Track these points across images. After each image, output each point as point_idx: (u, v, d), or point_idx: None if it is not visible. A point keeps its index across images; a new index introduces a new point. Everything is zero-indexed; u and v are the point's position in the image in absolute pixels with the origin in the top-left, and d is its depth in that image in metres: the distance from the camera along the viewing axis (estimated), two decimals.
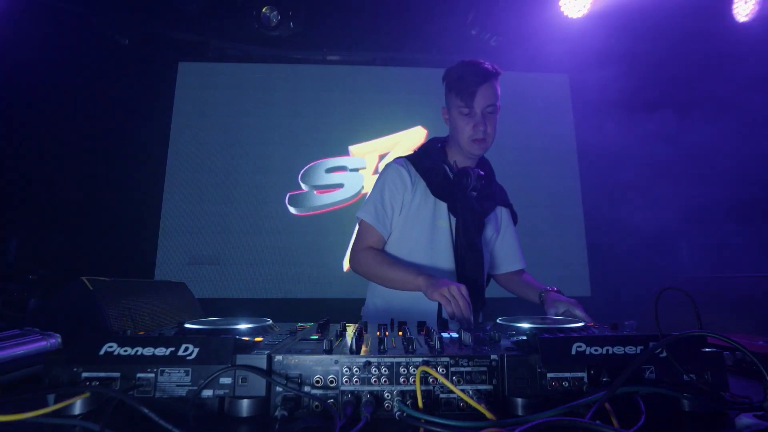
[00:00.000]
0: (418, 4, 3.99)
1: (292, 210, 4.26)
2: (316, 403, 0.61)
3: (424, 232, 1.48)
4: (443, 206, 1.47)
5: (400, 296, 1.43)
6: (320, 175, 4.35)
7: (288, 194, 4.28)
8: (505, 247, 1.62)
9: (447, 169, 1.52)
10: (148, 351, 0.62)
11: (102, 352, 0.62)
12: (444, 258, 1.48)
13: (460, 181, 1.45)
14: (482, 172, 1.49)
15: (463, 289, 1.16)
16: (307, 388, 0.62)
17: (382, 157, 4.39)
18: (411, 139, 4.40)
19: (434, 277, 1.25)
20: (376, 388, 0.62)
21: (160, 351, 0.62)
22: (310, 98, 4.50)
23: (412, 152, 1.61)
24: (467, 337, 0.72)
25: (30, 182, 3.83)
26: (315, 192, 4.30)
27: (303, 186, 4.32)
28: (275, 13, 3.77)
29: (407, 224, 1.50)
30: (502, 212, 1.63)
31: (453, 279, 1.43)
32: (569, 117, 4.68)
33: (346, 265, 4.09)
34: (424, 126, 4.45)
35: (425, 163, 1.52)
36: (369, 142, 4.39)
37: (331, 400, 0.62)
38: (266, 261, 4.16)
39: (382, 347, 0.67)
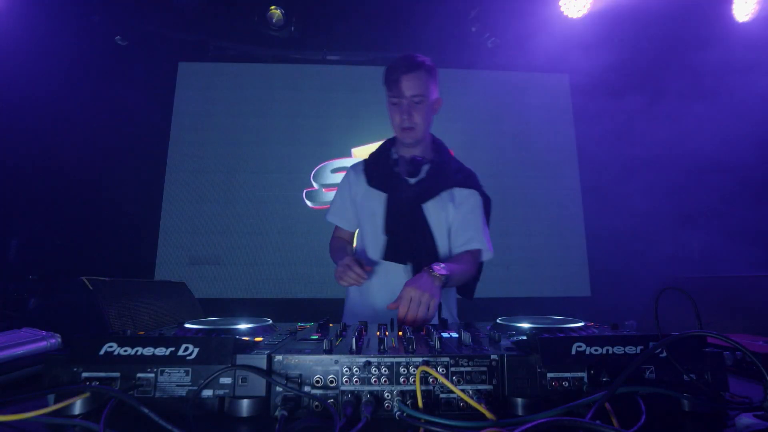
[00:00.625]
0: (418, 4, 3.99)
1: (309, 204, 4.34)
2: (316, 403, 0.61)
3: (368, 222, 1.59)
4: (384, 196, 1.56)
5: (368, 285, 1.54)
6: (327, 175, 4.41)
7: (305, 190, 4.35)
8: (455, 227, 1.55)
9: (387, 160, 1.61)
10: (148, 351, 0.62)
11: (102, 352, 0.62)
12: (377, 245, 1.54)
13: (392, 170, 1.56)
14: (419, 158, 1.53)
15: (347, 259, 1.32)
16: (307, 388, 0.62)
17: None
18: None
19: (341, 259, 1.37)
20: (376, 388, 0.62)
21: (160, 351, 0.62)
22: (310, 98, 4.50)
23: None
24: (467, 337, 0.72)
25: (30, 182, 3.83)
26: (324, 190, 4.35)
27: (314, 185, 4.38)
28: (281, 11, 3.77)
29: (359, 217, 1.65)
30: (461, 194, 1.56)
31: (392, 268, 1.52)
32: (569, 117, 4.69)
33: None
34: None
35: (370, 159, 1.66)
36: (369, 145, 4.39)
37: (331, 400, 0.62)
38: (266, 261, 4.16)
39: (382, 347, 0.67)
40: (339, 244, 1.68)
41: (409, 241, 1.47)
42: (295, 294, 4.06)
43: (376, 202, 1.55)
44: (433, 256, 1.48)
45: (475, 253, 1.51)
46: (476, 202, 1.56)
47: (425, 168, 1.54)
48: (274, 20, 3.86)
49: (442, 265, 1.25)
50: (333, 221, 1.71)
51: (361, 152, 4.39)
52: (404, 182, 1.54)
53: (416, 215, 1.49)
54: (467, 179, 1.59)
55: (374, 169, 1.60)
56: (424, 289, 1.12)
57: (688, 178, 3.97)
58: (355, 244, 1.77)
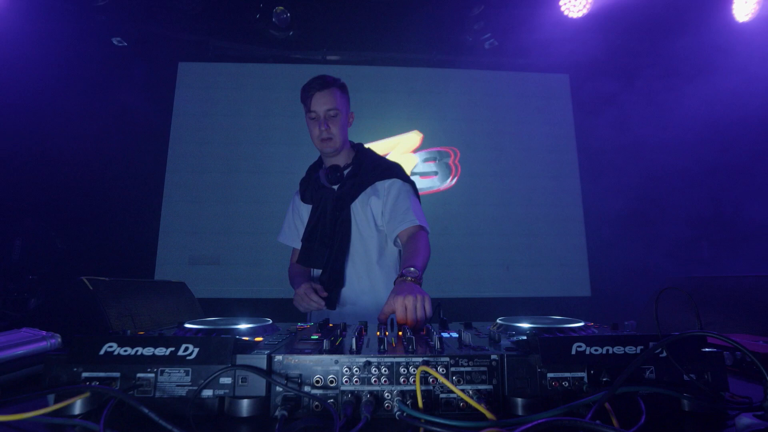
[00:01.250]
0: (418, 4, 3.99)
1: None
2: (316, 403, 0.61)
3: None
4: (310, 208, 1.70)
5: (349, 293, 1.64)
6: None
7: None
8: (386, 215, 1.63)
9: (315, 174, 1.72)
10: (148, 351, 0.62)
11: (102, 352, 0.62)
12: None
13: (318, 182, 1.68)
14: (337, 165, 1.64)
15: (303, 287, 1.47)
16: (307, 388, 0.62)
17: None
18: (408, 142, 4.40)
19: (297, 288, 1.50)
20: (376, 388, 0.62)
21: (160, 351, 0.62)
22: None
23: None
24: (467, 337, 0.72)
25: (30, 182, 3.83)
26: None
27: None
28: (286, 13, 3.78)
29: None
30: (383, 185, 1.65)
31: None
32: (569, 117, 4.69)
33: None
34: (420, 130, 4.42)
35: (304, 176, 1.79)
36: (369, 144, 4.38)
37: (331, 400, 0.62)
38: (266, 261, 4.16)
39: (382, 347, 0.67)
40: (297, 270, 1.73)
41: (327, 246, 1.60)
42: None
43: (306, 215, 1.71)
44: (340, 258, 1.59)
45: (417, 234, 1.53)
46: (400, 187, 1.65)
47: (346, 173, 1.66)
48: (280, 19, 3.85)
49: (412, 268, 1.29)
50: (282, 241, 1.83)
51: None
52: (329, 190, 1.65)
53: (343, 217, 1.61)
54: (386, 171, 1.68)
55: (306, 186, 1.74)
56: (410, 293, 1.14)
57: (688, 177, 3.97)
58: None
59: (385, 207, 1.62)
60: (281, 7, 3.78)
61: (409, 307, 1.10)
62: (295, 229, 1.79)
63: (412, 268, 1.29)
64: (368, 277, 1.62)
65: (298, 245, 1.72)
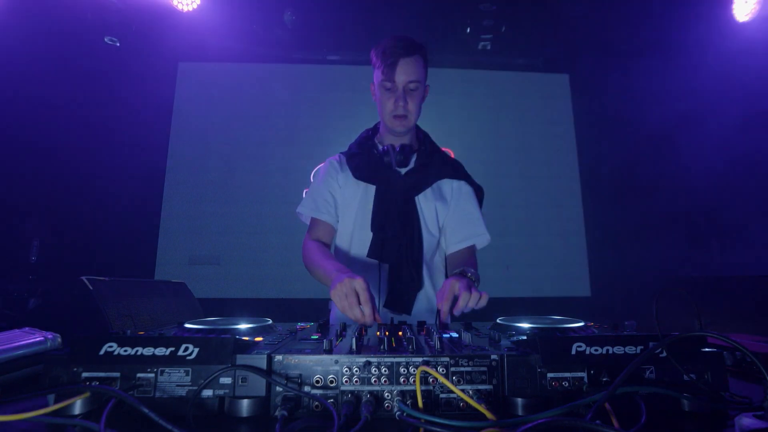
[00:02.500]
0: (418, 4, 3.99)
1: None
2: (316, 403, 0.61)
3: (352, 217, 1.46)
4: (372, 189, 1.44)
5: None
6: None
7: (305, 190, 4.33)
8: (452, 223, 1.47)
9: (373, 150, 1.49)
10: (148, 351, 0.62)
11: (102, 352, 0.62)
12: (364, 243, 1.40)
13: (381, 159, 1.44)
14: (409, 146, 1.45)
15: (358, 283, 1.02)
16: (307, 388, 0.62)
17: None
18: None
19: (344, 273, 1.11)
20: (376, 388, 0.62)
21: (160, 351, 0.62)
22: (310, 98, 4.50)
23: None
24: (467, 337, 0.72)
25: (30, 182, 3.83)
26: None
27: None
28: (290, 15, 3.80)
29: (341, 215, 1.49)
30: (451, 185, 1.50)
31: (371, 266, 1.38)
32: (569, 117, 4.69)
33: None
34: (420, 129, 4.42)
35: (353, 149, 1.53)
36: None
37: (331, 400, 0.62)
38: (266, 261, 4.16)
39: (382, 347, 0.67)
40: (323, 249, 1.39)
41: (397, 239, 1.37)
42: (295, 294, 4.06)
43: (363, 195, 1.45)
44: (416, 256, 1.39)
45: (473, 248, 1.48)
46: (468, 192, 1.52)
47: (413, 158, 1.48)
48: (287, 24, 3.87)
49: (473, 270, 1.22)
50: (307, 213, 1.48)
51: None
52: (395, 173, 1.45)
53: (408, 208, 1.41)
54: (456, 170, 1.53)
55: (360, 161, 1.47)
56: (467, 281, 1.10)
57: (688, 177, 3.96)
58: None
59: (450, 210, 1.47)
60: (288, 13, 3.79)
61: (464, 291, 1.03)
62: (329, 204, 1.47)
63: (473, 270, 1.22)
64: (406, 282, 1.39)
65: (331, 221, 1.47)
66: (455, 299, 1.05)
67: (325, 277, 1.23)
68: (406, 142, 1.48)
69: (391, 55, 1.34)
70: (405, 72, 1.34)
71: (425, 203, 1.47)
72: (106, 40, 3.94)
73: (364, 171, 1.45)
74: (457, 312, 1.04)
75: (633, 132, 4.39)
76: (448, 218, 1.48)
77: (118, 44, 3.95)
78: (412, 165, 1.47)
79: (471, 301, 1.03)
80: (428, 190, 1.47)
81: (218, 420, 0.61)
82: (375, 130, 1.59)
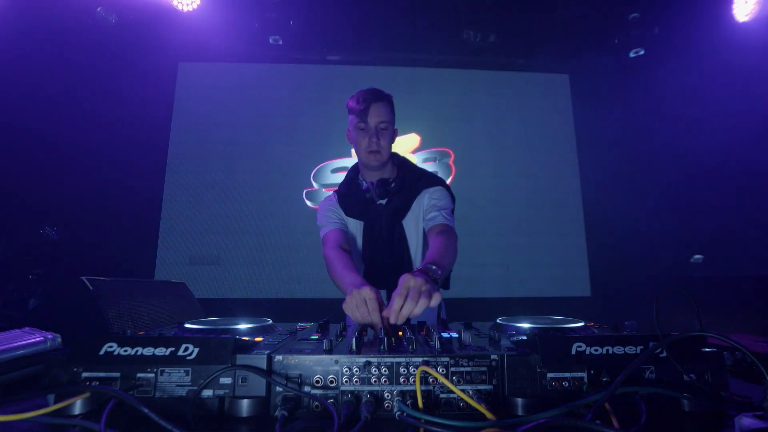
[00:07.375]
0: (419, 4, 3.99)
1: (309, 204, 4.33)
2: (316, 403, 0.61)
3: (354, 252, 1.61)
4: (361, 224, 1.62)
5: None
6: (327, 175, 4.41)
7: (305, 190, 4.35)
8: (428, 214, 1.59)
9: (360, 188, 1.65)
10: (148, 351, 0.62)
11: (102, 352, 0.62)
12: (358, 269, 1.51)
13: (364, 197, 1.61)
14: (385, 179, 1.60)
15: (366, 292, 1.01)
16: (307, 388, 0.62)
17: None
18: (406, 144, 4.40)
19: (353, 286, 1.11)
20: (376, 388, 0.62)
21: (160, 351, 0.62)
22: (310, 98, 4.50)
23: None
24: (467, 337, 0.72)
25: (30, 182, 3.83)
26: (323, 190, 4.35)
27: (314, 185, 4.38)
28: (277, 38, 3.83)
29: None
30: (428, 192, 1.63)
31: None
32: (569, 117, 4.69)
33: None
34: (418, 133, 4.40)
35: (341, 190, 1.70)
36: None
37: (331, 400, 0.62)
38: (266, 261, 4.16)
39: (382, 347, 0.67)
40: (341, 258, 1.41)
41: (384, 268, 1.55)
42: (295, 294, 4.06)
43: (354, 230, 1.64)
44: None
45: (450, 233, 1.48)
46: (441, 193, 1.63)
47: (392, 186, 1.61)
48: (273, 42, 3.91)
49: (434, 266, 1.15)
50: (327, 228, 1.59)
51: None
52: (377, 206, 1.61)
53: (394, 235, 1.57)
54: (431, 179, 1.67)
55: (347, 201, 1.65)
56: (422, 279, 1.01)
57: (688, 178, 3.96)
58: None
59: (428, 207, 1.61)
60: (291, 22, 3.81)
61: (413, 289, 0.97)
62: (338, 218, 1.64)
63: (434, 266, 1.14)
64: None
65: (337, 224, 1.61)
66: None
67: (342, 290, 1.32)
68: (385, 176, 1.63)
69: (363, 101, 1.53)
70: (377, 114, 1.53)
71: (413, 224, 1.61)
72: (99, 11, 3.80)
73: (353, 209, 1.64)
74: (397, 320, 0.96)
75: (633, 132, 4.39)
76: (426, 213, 1.60)
77: (115, 20, 3.83)
78: (392, 193, 1.61)
79: (416, 309, 0.95)
80: (411, 210, 1.61)
81: (218, 420, 0.61)
82: (356, 169, 1.73)
